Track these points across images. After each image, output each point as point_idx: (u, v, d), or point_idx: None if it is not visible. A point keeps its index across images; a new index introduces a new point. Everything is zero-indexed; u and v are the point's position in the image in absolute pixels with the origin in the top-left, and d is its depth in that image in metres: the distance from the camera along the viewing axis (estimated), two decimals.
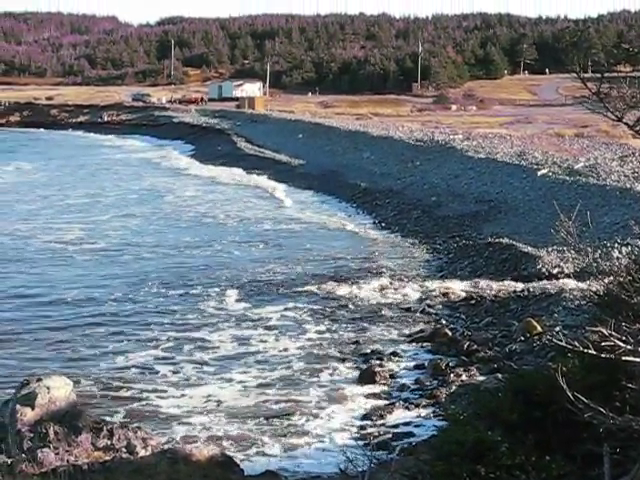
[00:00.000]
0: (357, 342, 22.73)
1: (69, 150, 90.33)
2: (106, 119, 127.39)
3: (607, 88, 8.80)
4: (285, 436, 16.88)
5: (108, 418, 16.27)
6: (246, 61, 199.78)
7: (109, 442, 13.71)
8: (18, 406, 14.04)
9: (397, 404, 18.33)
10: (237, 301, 27.23)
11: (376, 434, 16.78)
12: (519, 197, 38.76)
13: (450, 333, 22.85)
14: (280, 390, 19.46)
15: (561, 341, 8.67)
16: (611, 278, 10.16)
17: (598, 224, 27.94)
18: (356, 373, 20.39)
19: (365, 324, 24.47)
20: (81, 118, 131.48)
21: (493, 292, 26.37)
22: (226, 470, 13.18)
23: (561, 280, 25.51)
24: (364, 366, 20.70)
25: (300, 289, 28.40)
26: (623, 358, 7.90)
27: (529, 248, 29.76)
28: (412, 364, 21.05)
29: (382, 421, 17.51)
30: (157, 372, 20.69)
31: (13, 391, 14.93)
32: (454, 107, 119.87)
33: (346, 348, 22.35)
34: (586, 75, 8.84)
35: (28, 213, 46.54)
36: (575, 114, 79.13)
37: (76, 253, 35.36)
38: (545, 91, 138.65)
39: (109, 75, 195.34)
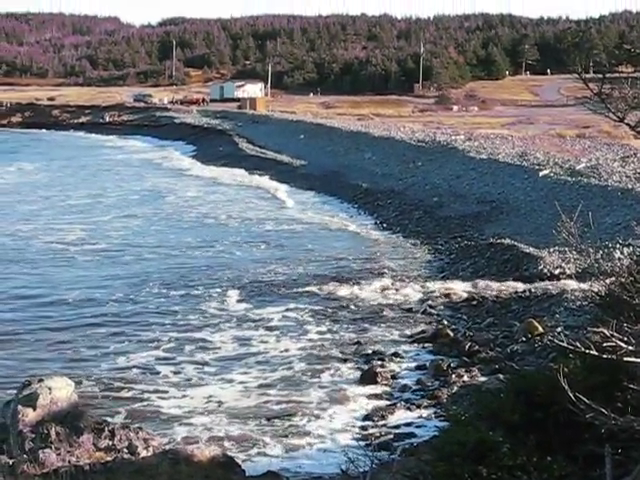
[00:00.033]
0: (358, 343, 22.73)
1: (71, 151, 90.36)
2: (108, 120, 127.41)
3: (609, 89, 8.81)
4: (286, 437, 16.88)
5: (109, 419, 16.27)
6: (247, 62, 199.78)
7: (110, 443, 13.71)
8: (20, 407, 14.05)
9: (398, 405, 18.33)
10: (238, 302, 27.23)
11: (377, 435, 16.78)
12: (521, 198, 38.76)
13: (452, 334, 22.84)
14: (281, 391, 19.46)
15: (563, 342, 8.67)
16: (613, 279, 10.16)
17: (600, 225, 27.93)
18: (357, 374, 20.38)
19: (366, 325, 24.47)
20: (83, 119, 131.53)
21: (495, 293, 26.37)
22: (227, 471, 13.18)
23: (563, 281, 25.52)
24: (365, 367, 20.70)
25: (301, 289, 28.40)
26: (625, 359, 7.90)
27: (531, 249, 29.75)
28: (413, 365, 21.05)
29: (383, 422, 17.50)
30: (158, 373, 20.70)
31: (15, 392, 14.93)
32: (456, 108, 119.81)
33: (347, 349, 22.35)
34: (588, 76, 8.84)
35: (30, 213, 46.56)
36: (577, 115, 79.15)
37: (77, 254, 35.37)
38: (547, 92, 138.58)
39: (111, 76, 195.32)
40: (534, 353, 19.93)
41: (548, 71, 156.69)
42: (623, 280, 9.55)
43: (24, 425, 13.77)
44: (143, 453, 13.69)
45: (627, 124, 9.01)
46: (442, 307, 26.03)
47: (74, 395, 14.63)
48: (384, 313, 25.52)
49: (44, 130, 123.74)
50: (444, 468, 8.77)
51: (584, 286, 22.72)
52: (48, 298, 27.88)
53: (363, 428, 17.27)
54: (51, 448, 13.13)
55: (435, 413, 17.62)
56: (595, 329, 8.21)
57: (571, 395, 7.70)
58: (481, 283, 27.61)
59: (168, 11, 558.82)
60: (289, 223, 42.73)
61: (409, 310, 25.88)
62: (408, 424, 17.31)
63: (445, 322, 24.24)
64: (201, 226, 42.44)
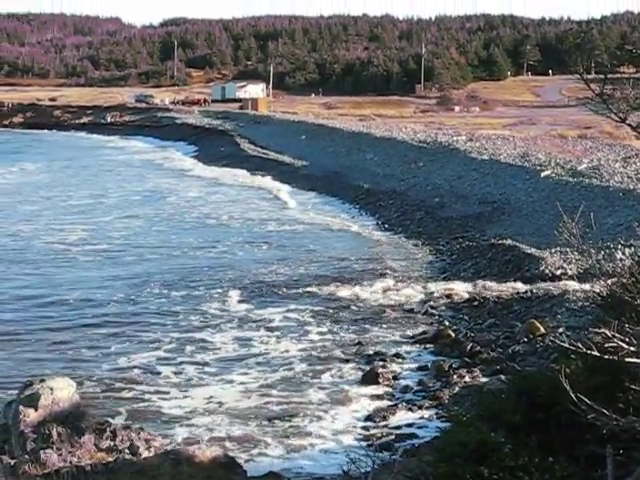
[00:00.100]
0: (360, 343, 22.72)
1: (72, 151, 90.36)
2: (109, 120, 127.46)
3: (610, 89, 8.81)
4: (288, 437, 16.88)
5: (111, 419, 16.26)
6: (249, 62, 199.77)
7: (112, 443, 13.72)
8: (21, 407, 14.06)
9: (400, 405, 18.32)
10: (240, 302, 27.23)
11: (379, 435, 16.78)
12: (522, 198, 38.76)
13: (453, 334, 22.84)
14: (283, 391, 19.45)
15: (564, 342, 8.68)
16: (614, 279, 10.16)
17: (601, 225, 27.92)
18: (359, 374, 20.38)
19: (368, 325, 24.47)
20: (84, 119, 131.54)
21: (496, 293, 26.36)
22: (229, 471, 13.19)
23: (564, 281, 25.50)
24: (367, 367, 20.69)
25: (303, 290, 28.40)
26: (626, 359, 7.91)
27: (532, 249, 29.75)
28: (415, 365, 21.05)
29: (385, 422, 17.50)
30: (160, 373, 20.69)
31: (16, 392, 14.94)
32: (457, 108, 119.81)
33: (349, 349, 22.34)
34: (589, 76, 8.85)
35: (31, 214, 46.59)
36: (578, 115, 79.18)
37: (79, 254, 35.39)
38: (548, 92, 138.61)
39: (112, 76, 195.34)
40: (536, 354, 19.92)
41: (550, 72, 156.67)
42: (625, 281, 9.56)
43: (26, 425, 13.78)
44: (145, 454, 13.69)
45: (629, 125, 9.01)
46: (443, 308, 26.03)
47: (76, 395, 14.64)
48: (386, 314, 25.52)
49: (46, 131, 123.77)
50: (445, 469, 8.77)
51: (586, 287, 22.72)
52: (49, 298, 27.89)
53: (364, 429, 17.27)
54: (52, 448, 13.14)
55: (436, 414, 17.61)
56: (597, 330, 8.22)
57: (573, 396, 7.70)
58: (482, 284, 27.61)
59: (170, 11, 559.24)
60: (291, 224, 42.73)
61: (411, 311, 25.88)
62: (409, 425, 17.31)
63: (446, 323, 24.23)
64: (203, 227, 42.45)
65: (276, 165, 66.24)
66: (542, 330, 21.27)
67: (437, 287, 28.06)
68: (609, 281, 10.25)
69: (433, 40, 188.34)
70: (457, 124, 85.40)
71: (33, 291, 28.91)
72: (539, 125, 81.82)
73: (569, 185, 37.77)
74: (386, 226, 40.63)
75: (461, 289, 27.49)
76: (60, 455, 12.98)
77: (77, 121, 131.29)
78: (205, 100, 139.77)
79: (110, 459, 13.13)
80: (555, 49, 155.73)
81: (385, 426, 17.32)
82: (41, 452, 12.98)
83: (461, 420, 10.05)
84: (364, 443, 15.90)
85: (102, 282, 30.15)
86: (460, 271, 30.33)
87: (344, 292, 27.95)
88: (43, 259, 34.40)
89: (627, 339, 7.90)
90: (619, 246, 27.06)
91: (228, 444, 16.33)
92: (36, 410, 13.98)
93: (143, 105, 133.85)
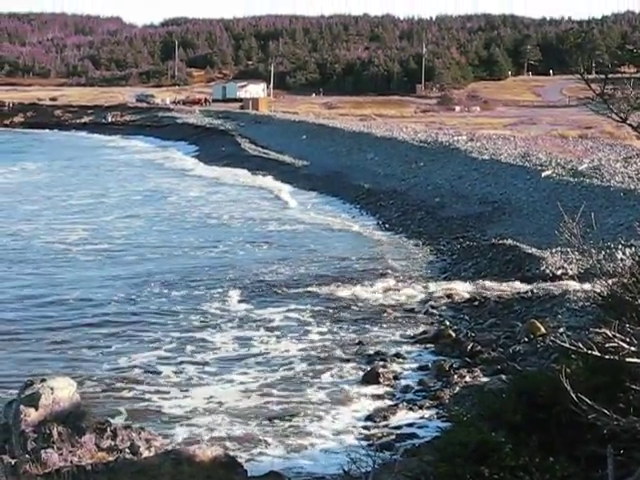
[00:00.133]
0: (361, 343, 22.73)
1: (73, 151, 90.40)
2: (110, 120, 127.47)
3: (611, 89, 8.81)
4: (288, 437, 16.88)
5: (111, 419, 16.26)
6: (250, 62, 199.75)
7: (113, 443, 13.72)
8: (22, 407, 14.05)
9: (401, 405, 18.33)
10: (241, 302, 27.23)
11: (380, 435, 16.79)
12: (523, 198, 38.76)
13: (454, 334, 22.84)
14: (283, 391, 19.46)
15: (565, 342, 8.69)
16: (615, 279, 10.16)
17: (602, 225, 27.91)
18: (360, 374, 20.38)
19: (369, 325, 24.48)
20: (85, 119, 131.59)
21: (497, 293, 26.37)
22: (229, 471, 13.18)
23: (565, 281, 25.50)
24: (368, 367, 20.69)
25: (304, 290, 28.40)
26: (627, 360, 7.91)
27: (533, 249, 29.75)
28: (416, 365, 21.05)
29: (386, 422, 17.50)
30: (160, 373, 20.70)
31: (17, 392, 14.94)
32: (458, 108, 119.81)
33: (350, 349, 22.35)
34: (590, 76, 8.85)
35: (32, 213, 46.60)
36: (579, 115, 79.20)
37: (79, 254, 35.39)
38: (549, 92, 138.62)
39: (113, 76, 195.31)
40: (536, 354, 19.92)
41: (550, 72, 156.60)
42: (625, 281, 9.56)
43: (26, 425, 13.78)
44: (145, 453, 13.69)
45: (630, 125, 9.01)
46: (444, 308, 26.03)
47: (76, 395, 14.64)
48: (386, 313, 25.52)
49: (46, 130, 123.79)
50: (446, 469, 8.77)
51: (586, 287, 22.72)
52: (50, 298, 27.89)
53: (365, 428, 17.27)
54: (53, 448, 13.14)
55: (437, 414, 17.62)
56: (597, 330, 8.22)
57: (573, 396, 7.70)
58: (483, 284, 27.62)
59: (170, 11, 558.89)
60: (291, 223, 42.73)
61: (411, 310, 25.89)
62: (410, 425, 17.31)
63: (447, 323, 24.24)
64: (203, 226, 42.45)
65: (277, 165, 66.25)
66: (543, 330, 21.27)
67: (438, 287, 28.07)
68: (610, 281, 10.24)
69: (434, 40, 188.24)
70: (458, 124, 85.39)
71: (33, 291, 28.92)
72: (540, 125, 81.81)
73: (570, 185, 37.77)
74: (387, 226, 40.63)
75: (462, 289, 27.50)
76: (61, 455, 12.99)
77: (78, 121, 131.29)
78: (206, 100, 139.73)
79: (111, 459, 13.13)
80: (556, 49, 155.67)
81: (386, 426, 17.32)
82: (42, 452, 12.98)
83: (462, 420, 10.05)
84: (365, 443, 15.89)
85: (103, 282, 30.15)
86: (461, 271, 30.34)
87: (345, 292, 27.96)
88: (43, 259, 34.40)
89: (628, 339, 7.90)
90: (620, 246, 27.06)
91: (229, 444, 16.33)
92: (37, 410, 13.98)
93: (144, 105, 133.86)
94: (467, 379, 19.36)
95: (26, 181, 63.49)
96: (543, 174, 41.21)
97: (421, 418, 17.62)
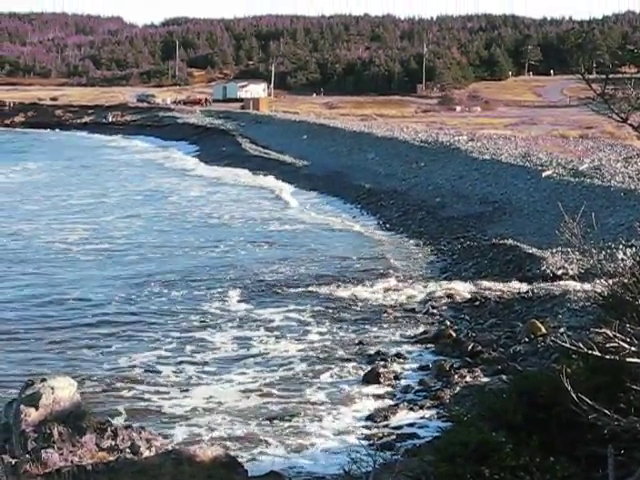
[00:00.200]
0: (361, 343, 22.73)
1: (73, 151, 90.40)
2: (111, 120, 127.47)
3: (612, 89, 8.81)
4: (289, 437, 16.89)
5: (112, 418, 16.25)
6: (251, 62, 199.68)
7: (113, 443, 13.72)
8: (22, 406, 14.05)
9: (401, 405, 18.33)
10: (241, 302, 27.24)
11: (380, 435, 16.79)
12: (523, 198, 38.76)
13: (454, 334, 22.84)
14: (284, 391, 19.46)
15: (565, 342, 8.68)
16: (615, 279, 10.16)
17: (603, 225, 27.87)
18: (360, 374, 20.38)
19: (369, 325, 24.47)
20: (86, 119, 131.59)
21: (497, 293, 26.36)
22: (230, 471, 13.18)
23: (565, 281, 25.51)
24: (368, 367, 20.70)
25: (304, 290, 28.40)
26: (627, 360, 7.90)
27: (533, 249, 29.75)
28: (416, 365, 21.05)
29: (386, 422, 17.51)
30: (160, 373, 20.71)
31: (17, 391, 14.94)
32: (459, 108, 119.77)
33: (350, 349, 22.35)
34: (591, 76, 8.84)
35: (32, 213, 46.61)
36: (580, 115, 79.18)
37: (80, 254, 35.39)
38: (550, 92, 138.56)
39: (114, 76, 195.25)
40: (537, 354, 19.93)
41: (551, 72, 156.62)
42: (626, 281, 9.56)
43: (27, 425, 13.78)
44: (146, 453, 13.69)
45: (630, 125, 9.01)
46: (445, 308, 26.02)
47: (77, 395, 14.63)
48: (387, 313, 25.53)
49: (47, 130, 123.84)
50: (446, 469, 8.78)
51: (587, 287, 22.73)
52: (50, 298, 27.89)
53: (366, 428, 17.27)
54: (54, 448, 13.14)
55: (438, 414, 17.62)
56: (598, 330, 8.22)
57: (574, 396, 7.70)
58: (484, 284, 27.62)
59: (171, 11, 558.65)
60: (292, 223, 42.73)
61: (412, 310, 25.88)
62: (411, 424, 17.32)
63: (448, 323, 24.23)
64: (204, 226, 42.45)
65: (277, 165, 66.26)
66: (543, 330, 21.27)
67: (438, 287, 28.07)
68: (610, 281, 10.24)
69: (434, 40, 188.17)
70: (458, 124, 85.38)
71: (34, 290, 28.92)
72: (540, 125, 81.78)
73: (570, 185, 37.77)
74: (387, 226, 40.63)
75: (462, 289, 27.50)
76: (61, 454, 12.98)
77: (78, 121, 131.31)
78: (206, 100, 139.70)
79: (111, 458, 13.13)
80: (556, 49, 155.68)
81: (386, 426, 17.33)
82: (42, 451, 12.98)
83: (462, 420, 10.06)
84: (365, 443, 15.87)
85: (103, 281, 30.16)
86: (461, 271, 30.34)
87: (345, 292, 27.96)
88: (44, 258, 34.40)
89: (628, 339, 7.90)
90: (620, 246, 27.06)
91: (229, 444, 16.34)
92: (37, 409, 13.98)
93: (145, 105, 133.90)
94: (467, 379, 19.36)
95: (27, 181, 63.51)
96: (544, 174, 41.20)
97: (422, 418, 17.62)
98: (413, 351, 22.16)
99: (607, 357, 7.96)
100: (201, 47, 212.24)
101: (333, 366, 21.02)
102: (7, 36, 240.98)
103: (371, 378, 19.94)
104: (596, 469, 8.57)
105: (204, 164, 74.01)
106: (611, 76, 8.85)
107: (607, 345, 7.93)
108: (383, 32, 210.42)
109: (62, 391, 14.32)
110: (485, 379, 19.05)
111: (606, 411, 7.66)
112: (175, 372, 20.77)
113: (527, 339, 21.17)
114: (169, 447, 14.51)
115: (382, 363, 20.97)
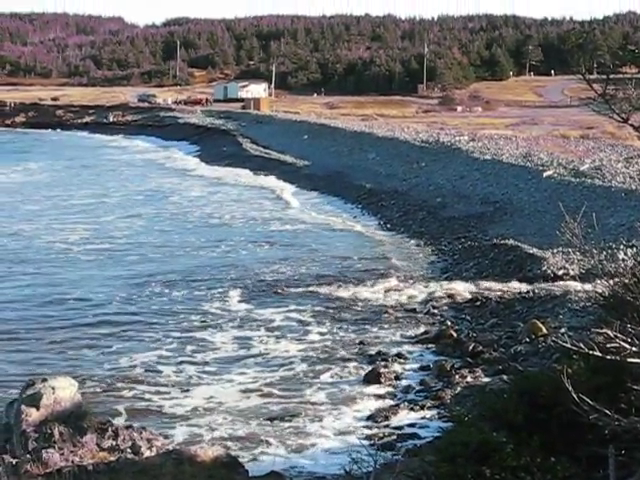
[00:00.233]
0: (362, 343, 22.72)
1: (74, 151, 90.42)
2: (112, 120, 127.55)
3: (613, 90, 8.81)
4: (290, 437, 16.88)
5: (113, 419, 16.26)
6: (251, 62, 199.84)
7: (114, 443, 13.73)
8: (23, 406, 14.06)
9: (402, 405, 18.32)
10: (242, 302, 27.23)
11: (381, 435, 16.78)
12: (524, 198, 38.75)
13: (455, 334, 22.83)
14: (285, 391, 19.46)
15: (566, 343, 8.68)
16: (616, 280, 10.15)
17: (603, 226, 27.88)
18: (361, 374, 20.37)
19: (370, 325, 24.46)
20: (87, 119, 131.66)
21: (498, 293, 26.36)
22: (231, 471, 13.18)
23: (566, 282, 25.51)
24: (369, 367, 20.69)
25: (305, 290, 28.40)
26: (628, 360, 7.90)
27: (534, 249, 29.75)
28: (417, 365, 21.05)
29: (387, 422, 17.50)
30: (161, 373, 20.71)
31: (18, 391, 14.95)
32: (459, 108, 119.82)
33: (351, 349, 22.34)
34: (592, 77, 8.84)
35: (33, 213, 46.61)
36: (580, 116, 79.15)
37: (81, 254, 35.39)
38: (551, 92, 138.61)
39: (115, 76, 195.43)
40: (538, 354, 19.92)
41: (552, 72, 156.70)
42: (627, 281, 9.56)
43: (27, 425, 13.79)
44: (147, 453, 13.70)
45: (631, 125, 9.01)
46: (446, 308, 26.02)
47: (77, 395, 14.64)
48: (387, 314, 25.51)
49: (48, 130, 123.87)
50: (447, 469, 8.78)
51: (588, 287, 22.71)
52: (50, 298, 27.89)
53: (366, 428, 17.26)
54: (54, 448, 13.14)
55: (438, 414, 17.61)
56: (599, 330, 8.22)
57: (575, 396, 7.70)
58: (485, 284, 27.62)
59: (172, 11, 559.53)
60: (293, 223, 42.73)
61: (413, 311, 25.88)
62: (411, 425, 17.31)
63: (449, 323, 24.22)
64: (205, 226, 42.45)
65: (278, 165, 66.26)
66: (544, 330, 21.27)
67: (439, 287, 28.07)
68: (611, 281, 10.23)
69: (435, 40, 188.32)
70: (459, 124, 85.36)
71: (35, 290, 28.92)
72: (541, 125, 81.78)
73: (571, 185, 37.77)
74: (388, 226, 40.63)
75: (463, 289, 27.49)
76: (62, 454, 12.99)
77: (79, 121, 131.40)
78: (207, 100, 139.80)
79: (112, 458, 13.13)
80: (557, 49, 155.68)
81: (387, 426, 17.32)
82: (43, 451, 12.98)
83: (463, 420, 10.06)
84: (366, 443, 15.85)
85: (104, 281, 30.16)
86: (462, 271, 30.33)
87: (346, 292, 27.96)
88: (45, 258, 34.40)
89: (629, 339, 7.90)
90: (621, 246, 27.06)
91: (230, 444, 16.34)
92: (38, 409, 13.99)
93: (145, 105, 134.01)
94: (468, 379, 19.36)
95: (28, 181, 63.52)
96: (545, 174, 41.19)
97: (422, 418, 17.61)
98: (414, 351, 22.15)
99: (608, 357, 7.96)
100: (202, 47, 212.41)
101: (334, 366, 21.02)
102: (8, 36, 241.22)
103: (372, 378, 19.93)
104: (597, 469, 8.57)
105: (205, 164, 74.03)
106: (612, 76, 8.84)
107: (608, 345, 7.93)
108: (384, 32, 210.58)
109: (63, 391, 14.32)
110: (486, 379, 19.04)
111: (607, 411, 7.66)
112: (176, 372, 20.77)
113: (528, 339, 21.17)
114: (170, 447, 14.53)
115: (383, 363, 20.96)
